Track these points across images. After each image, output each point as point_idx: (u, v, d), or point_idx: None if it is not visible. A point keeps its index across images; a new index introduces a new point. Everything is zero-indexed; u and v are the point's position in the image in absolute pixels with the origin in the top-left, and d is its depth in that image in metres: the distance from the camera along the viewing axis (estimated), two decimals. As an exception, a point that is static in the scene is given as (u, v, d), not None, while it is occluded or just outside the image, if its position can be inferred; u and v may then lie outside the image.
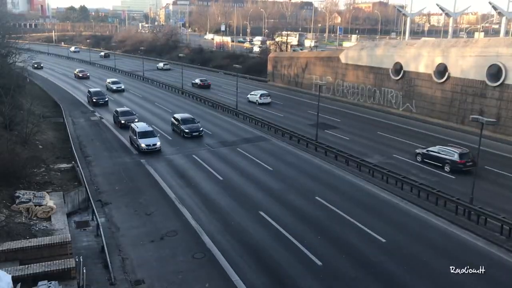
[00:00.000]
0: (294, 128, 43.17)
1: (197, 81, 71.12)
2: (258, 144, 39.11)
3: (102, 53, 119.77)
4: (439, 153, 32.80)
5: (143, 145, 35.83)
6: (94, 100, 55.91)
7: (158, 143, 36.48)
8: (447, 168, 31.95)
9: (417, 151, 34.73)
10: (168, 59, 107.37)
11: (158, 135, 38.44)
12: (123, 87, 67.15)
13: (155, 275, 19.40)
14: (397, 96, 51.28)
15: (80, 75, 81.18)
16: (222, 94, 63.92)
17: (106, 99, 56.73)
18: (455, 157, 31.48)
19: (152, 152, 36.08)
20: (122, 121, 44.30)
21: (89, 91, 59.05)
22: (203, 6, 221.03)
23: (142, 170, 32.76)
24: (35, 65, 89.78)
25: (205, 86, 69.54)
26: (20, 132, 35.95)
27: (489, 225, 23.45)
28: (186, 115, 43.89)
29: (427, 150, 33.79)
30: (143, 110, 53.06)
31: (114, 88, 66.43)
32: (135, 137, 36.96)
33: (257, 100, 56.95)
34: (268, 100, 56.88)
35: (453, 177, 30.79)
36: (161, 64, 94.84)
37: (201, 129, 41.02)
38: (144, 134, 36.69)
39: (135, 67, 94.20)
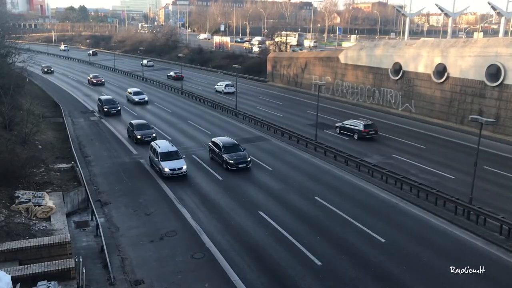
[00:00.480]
0: (294, 128, 43.19)
1: (172, 73, 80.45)
2: (257, 144, 39.10)
3: (90, 52, 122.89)
4: (350, 125, 40.95)
5: (166, 169, 30.19)
6: (105, 109, 50.04)
7: (184, 167, 30.75)
8: (355, 136, 40.11)
9: (336, 124, 42.46)
10: (168, 59, 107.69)
11: (184, 156, 32.56)
12: (146, 98, 57.75)
13: (154, 275, 19.40)
14: (397, 96, 51.31)
15: (94, 81, 72.81)
16: (221, 94, 63.91)
17: (119, 108, 50.95)
18: (361, 127, 39.76)
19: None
20: (138, 136, 38.73)
21: (99, 99, 52.78)
22: (203, 6, 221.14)
23: (141, 170, 32.75)
24: (45, 70, 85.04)
25: (178, 78, 76.30)
26: (19, 132, 35.95)
27: (489, 225, 23.47)
28: (227, 139, 34.82)
29: (342, 123, 41.97)
30: (142, 110, 53.13)
31: (136, 100, 56.94)
32: (156, 160, 31.28)
33: (222, 90, 64.73)
34: (232, 89, 62.39)
35: (453, 177, 30.82)
36: (144, 61, 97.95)
37: (249, 159, 32.63)
38: (167, 156, 30.94)
39: (135, 67, 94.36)
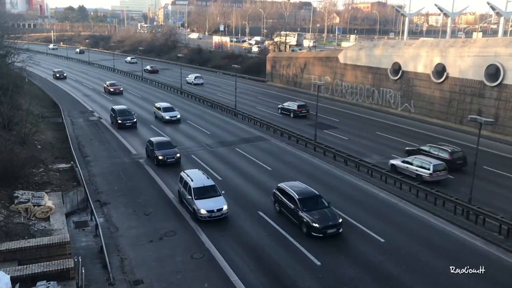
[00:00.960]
0: (293, 128, 43.21)
1: (148, 67, 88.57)
2: (257, 144, 39.11)
3: (78, 50, 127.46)
4: (288, 106, 50.99)
5: (203, 211, 23.85)
6: (119, 121, 44.20)
7: (225, 207, 24.32)
8: (291, 115, 49.86)
9: (279, 106, 52.40)
10: (167, 59, 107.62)
11: (223, 192, 25.85)
12: (179, 116, 47.58)
13: (154, 275, 19.40)
14: (396, 96, 51.33)
15: (112, 89, 64.06)
16: (220, 94, 63.94)
17: (135, 119, 45.09)
18: (295, 108, 49.91)
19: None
20: (160, 157, 33.03)
21: (112, 109, 46.87)
22: (202, 6, 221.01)
23: (141, 170, 32.74)
24: (57, 75, 79.67)
25: (154, 71, 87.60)
26: (18, 132, 35.93)
27: (488, 224, 23.49)
28: (301, 187, 25.33)
29: (282, 105, 51.84)
30: (142, 110, 53.09)
31: (167, 117, 46.81)
32: (189, 197, 24.92)
33: (192, 81, 73.51)
34: (201, 81, 74.10)
35: (452, 177, 30.80)
36: (128, 58, 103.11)
37: (340, 220, 22.82)
38: (203, 192, 24.73)
39: (134, 67, 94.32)
